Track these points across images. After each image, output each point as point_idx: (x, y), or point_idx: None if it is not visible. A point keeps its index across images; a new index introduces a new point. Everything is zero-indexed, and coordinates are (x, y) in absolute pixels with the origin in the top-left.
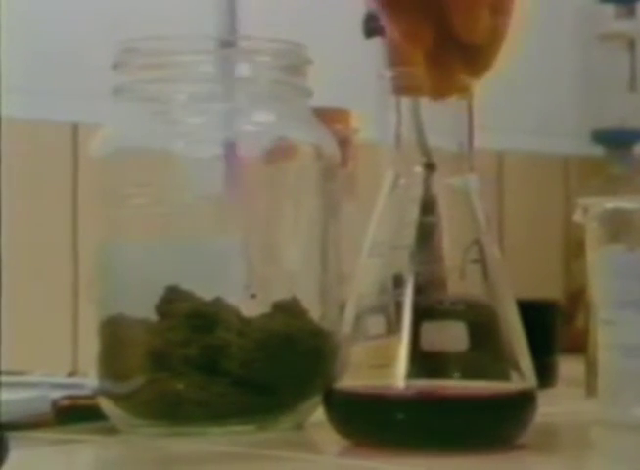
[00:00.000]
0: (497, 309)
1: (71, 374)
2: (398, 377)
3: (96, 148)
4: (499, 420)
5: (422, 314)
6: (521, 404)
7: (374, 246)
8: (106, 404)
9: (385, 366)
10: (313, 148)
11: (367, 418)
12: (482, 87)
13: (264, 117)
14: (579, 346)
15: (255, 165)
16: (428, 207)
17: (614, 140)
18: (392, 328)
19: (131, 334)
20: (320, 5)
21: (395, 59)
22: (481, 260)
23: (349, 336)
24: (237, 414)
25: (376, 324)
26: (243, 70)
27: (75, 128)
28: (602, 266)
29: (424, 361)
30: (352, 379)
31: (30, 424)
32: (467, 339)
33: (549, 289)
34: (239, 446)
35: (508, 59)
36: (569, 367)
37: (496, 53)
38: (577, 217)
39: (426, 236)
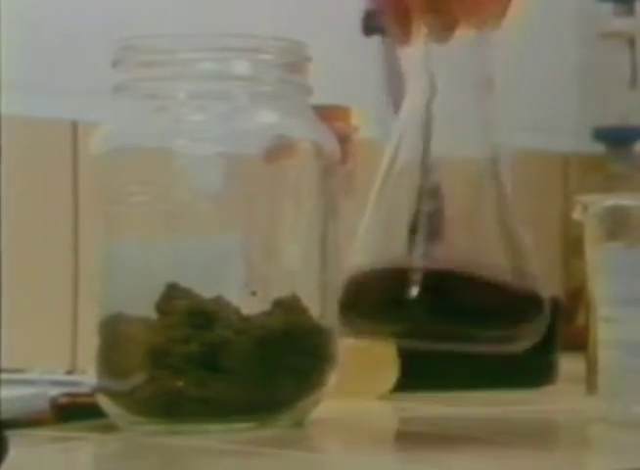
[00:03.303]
0: None
1: (70, 372)
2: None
3: (96, 146)
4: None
5: None
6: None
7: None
8: (105, 402)
9: None
10: (313, 146)
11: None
12: None
13: (264, 116)
14: (580, 343)
15: (256, 163)
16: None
17: (614, 138)
18: None
19: (131, 331)
20: (320, 3)
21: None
22: None
23: None
24: (236, 412)
25: None
26: (243, 67)
27: (75, 126)
28: (601, 264)
29: None
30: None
31: (29, 422)
32: None
33: (548, 287)
34: (238, 443)
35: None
36: (569, 365)
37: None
38: (577, 215)
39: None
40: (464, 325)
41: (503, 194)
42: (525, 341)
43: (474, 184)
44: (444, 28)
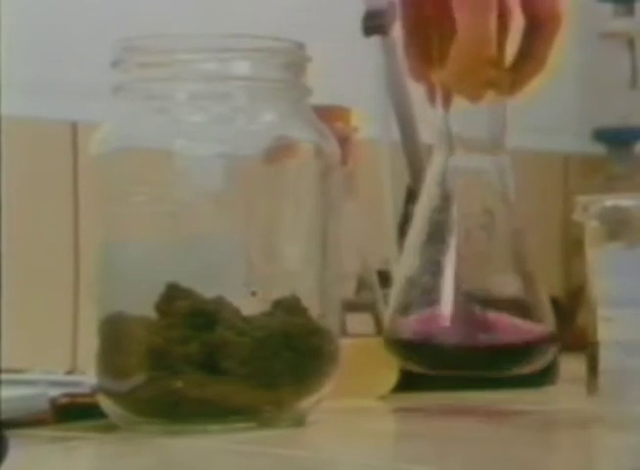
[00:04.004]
0: None
1: (70, 372)
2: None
3: (96, 146)
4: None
5: None
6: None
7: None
8: (105, 402)
9: None
10: (313, 146)
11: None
12: None
13: (264, 116)
14: (580, 343)
15: (255, 164)
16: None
17: (614, 138)
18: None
19: (131, 332)
20: (320, 3)
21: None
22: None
23: None
24: (236, 412)
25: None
26: (243, 68)
27: (75, 127)
28: (602, 264)
29: None
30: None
31: (29, 422)
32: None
33: (549, 287)
34: (238, 443)
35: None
36: (569, 365)
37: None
38: (577, 215)
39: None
40: (482, 364)
41: (515, 230)
42: (535, 366)
43: (488, 225)
44: (478, 95)
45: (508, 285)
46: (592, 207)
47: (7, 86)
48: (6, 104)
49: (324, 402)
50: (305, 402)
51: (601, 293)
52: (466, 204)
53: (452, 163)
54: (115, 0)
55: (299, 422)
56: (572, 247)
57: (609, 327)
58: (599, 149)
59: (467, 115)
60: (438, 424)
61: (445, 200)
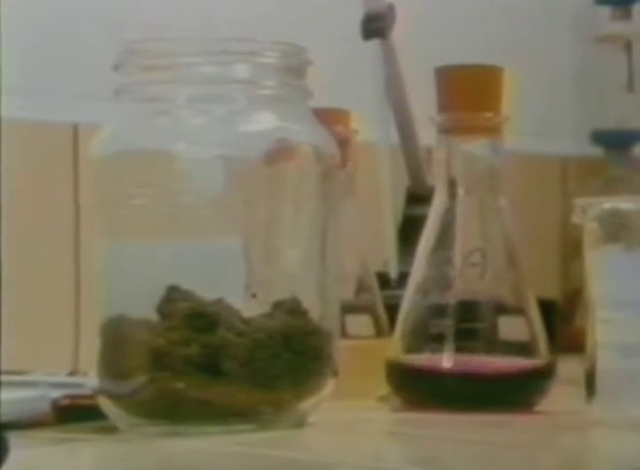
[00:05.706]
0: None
1: (72, 374)
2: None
3: (96, 149)
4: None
5: None
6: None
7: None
8: (106, 404)
9: None
10: (313, 149)
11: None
12: None
13: (265, 119)
14: (578, 345)
15: (256, 166)
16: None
17: (612, 141)
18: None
19: (132, 334)
20: (319, 6)
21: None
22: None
23: None
24: (237, 413)
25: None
26: (243, 71)
27: (76, 129)
28: (600, 266)
29: None
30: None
31: (30, 423)
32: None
33: (547, 289)
34: (239, 445)
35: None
36: (567, 367)
37: None
38: (576, 218)
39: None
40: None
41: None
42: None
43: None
44: None
45: (507, 326)
46: (591, 209)
47: (7, 88)
48: (6, 106)
49: (324, 404)
50: (305, 404)
51: (599, 295)
52: (462, 242)
53: (453, 203)
54: (117, 3)
55: (300, 423)
56: (571, 249)
57: (607, 329)
58: (597, 151)
59: (469, 159)
60: (438, 425)
61: (446, 236)
